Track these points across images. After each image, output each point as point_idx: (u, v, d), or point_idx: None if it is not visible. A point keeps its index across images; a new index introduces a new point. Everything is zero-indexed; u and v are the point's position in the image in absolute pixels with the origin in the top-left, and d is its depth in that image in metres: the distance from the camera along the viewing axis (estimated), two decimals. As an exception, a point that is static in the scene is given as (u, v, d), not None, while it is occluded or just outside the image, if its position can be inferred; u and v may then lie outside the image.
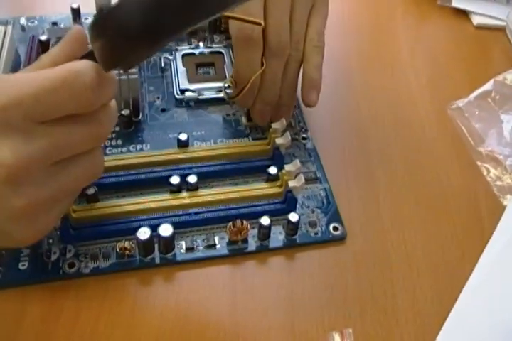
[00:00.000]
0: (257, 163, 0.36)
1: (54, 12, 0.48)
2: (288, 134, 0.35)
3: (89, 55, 0.26)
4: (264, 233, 0.33)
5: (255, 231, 0.33)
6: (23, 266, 0.32)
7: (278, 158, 0.36)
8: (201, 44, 0.45)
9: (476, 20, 0.52)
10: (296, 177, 0.33)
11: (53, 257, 0.32)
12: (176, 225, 0.32)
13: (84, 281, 0.32)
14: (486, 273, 0.33)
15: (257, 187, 0.34)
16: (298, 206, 0.35)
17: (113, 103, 0.29)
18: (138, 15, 0.23)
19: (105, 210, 0.33)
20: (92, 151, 0.29)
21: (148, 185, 0.35)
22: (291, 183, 0.33)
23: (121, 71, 0.35)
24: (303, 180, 0.33)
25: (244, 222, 0.32)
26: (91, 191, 0.33)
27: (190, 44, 0.45)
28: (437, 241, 0.35)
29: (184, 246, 0.33)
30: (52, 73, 0.26)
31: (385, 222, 0.36)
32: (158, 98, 0.42)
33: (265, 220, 0.32)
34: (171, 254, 0.32)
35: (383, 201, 0.37)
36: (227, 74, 0.42)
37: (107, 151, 0.38)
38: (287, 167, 0.34)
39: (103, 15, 0.25)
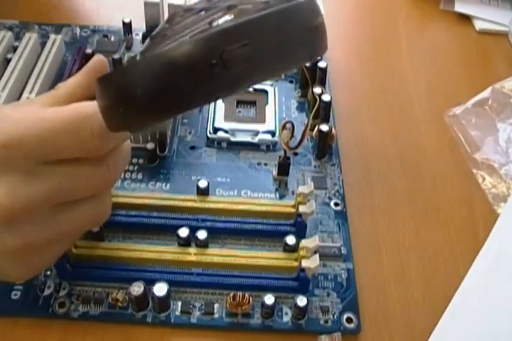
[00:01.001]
0: (278, 226, 0.33)
1: (107, 24, 0.47)
2: (313, 203, 0.32)
3: None
4: (268, 312, 0.29)
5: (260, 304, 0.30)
6: (16, 295, 0.31)
7: (300, 226, 0.32)
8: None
9: (479, 25, 0.51)
10: (311, 256, 0.30)
11: (46, 292, 0.31)
12: (175, 283, 0.30)
13: (71, 323, 0.30)
14: (477, 282, 0.32)
15: (271, 257, 0.31)
16: (313, 284, 0.31)
17: (126, 145, 0.27)
18: (141, 82, 0.20)
19: (107, 252, 0.31)
20: (99, 196, 0.27)
21: (158, 230, 0.33)
22: (305, 263, 0.29)
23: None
24: (317, 263, 0.29)
25: (247, 295, 0.29)
26: (95, 229, 0.32)
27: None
28: (431, 248, 0.34)
29: (179, 308, 0.30)
30: (58, 114, 0.24)
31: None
32: (190, 133, 0.39)
33: (269, 299, 0.29)
34: (164, 314, 0.30)
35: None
36: (266, 117, 0.39)
37: (125, 185, 0.36)
38: (304, 242, 0.30)
39: (108, 75, 0.22)
